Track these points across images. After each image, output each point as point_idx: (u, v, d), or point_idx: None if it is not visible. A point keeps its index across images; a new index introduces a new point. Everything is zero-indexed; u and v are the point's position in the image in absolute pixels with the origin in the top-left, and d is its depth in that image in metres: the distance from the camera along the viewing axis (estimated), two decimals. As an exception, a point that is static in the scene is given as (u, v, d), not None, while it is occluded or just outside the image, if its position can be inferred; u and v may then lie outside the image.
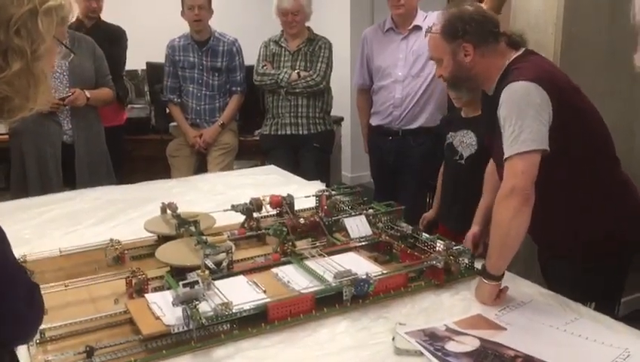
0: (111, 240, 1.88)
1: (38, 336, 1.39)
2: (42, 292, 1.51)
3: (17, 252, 1.73)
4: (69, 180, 3.21)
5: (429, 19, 3.17)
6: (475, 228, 1.99)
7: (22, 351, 1.33)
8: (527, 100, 1.61)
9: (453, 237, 2.47)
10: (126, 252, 1.86)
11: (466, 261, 1.79)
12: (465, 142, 2.45)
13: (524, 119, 1.59)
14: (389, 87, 3.26)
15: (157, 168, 3.98)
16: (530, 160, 1.59)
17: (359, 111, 3.59)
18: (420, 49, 3.17)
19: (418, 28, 3.19)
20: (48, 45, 0.95)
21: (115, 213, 2.36)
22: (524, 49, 1.78)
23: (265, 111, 3.93)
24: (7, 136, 3.36)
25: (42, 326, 1.39)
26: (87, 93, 3.18)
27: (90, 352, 1.30)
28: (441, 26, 1.75)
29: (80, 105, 3.16)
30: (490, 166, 2.01)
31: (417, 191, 3.29)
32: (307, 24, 3.76)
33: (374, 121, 3.37)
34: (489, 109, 1.77)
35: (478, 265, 1.80)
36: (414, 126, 3.24)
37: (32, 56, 0.92)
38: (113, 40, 3.84)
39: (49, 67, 1.00)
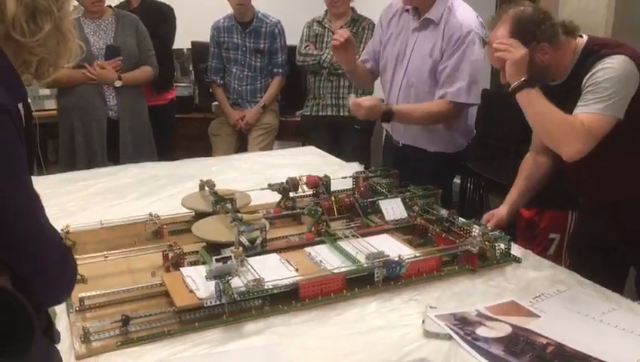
0: (150, 214, 1.93)
1: (77, 304, 1.44)
2: (83, 262, 1.58)
3: (62, 223, 1.81)
4: (114, 155, 3.28)
5: None
6: (502, 210, 1.96)
7: (61, 317, 1.38)
8: (626, 75, 1.60)
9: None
10: (164, 226, 1.90)
11: (502, 247, 1.76)
12: None
13: (618, 91, 1.59)
14: None
15: (199, 146, 4.03)
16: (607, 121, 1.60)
17: None
18: None
19: None
20: (71, 2, 1.00)
21: (156, 189, 2.41)
22: (585, 35, 1.75)
23: (307, 91, 3.93)
24: (56, 112, 3.45)
25: (82, 295, 1.44)
26: (121, 77, 3.23)
27: (125, 321, 1.35)
28: (510, 32, 1.69)
29: (108, 80, 3.20)
30: (529, 156, 1.99)
31: None
32: (351, 4, 3.73)
33: None
34: (562, 97, 1.72)
35: (514, 251, 1.78)
36: None
37: (59, 14, 0.97)
38: (161, 19, 3.80)
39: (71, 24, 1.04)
